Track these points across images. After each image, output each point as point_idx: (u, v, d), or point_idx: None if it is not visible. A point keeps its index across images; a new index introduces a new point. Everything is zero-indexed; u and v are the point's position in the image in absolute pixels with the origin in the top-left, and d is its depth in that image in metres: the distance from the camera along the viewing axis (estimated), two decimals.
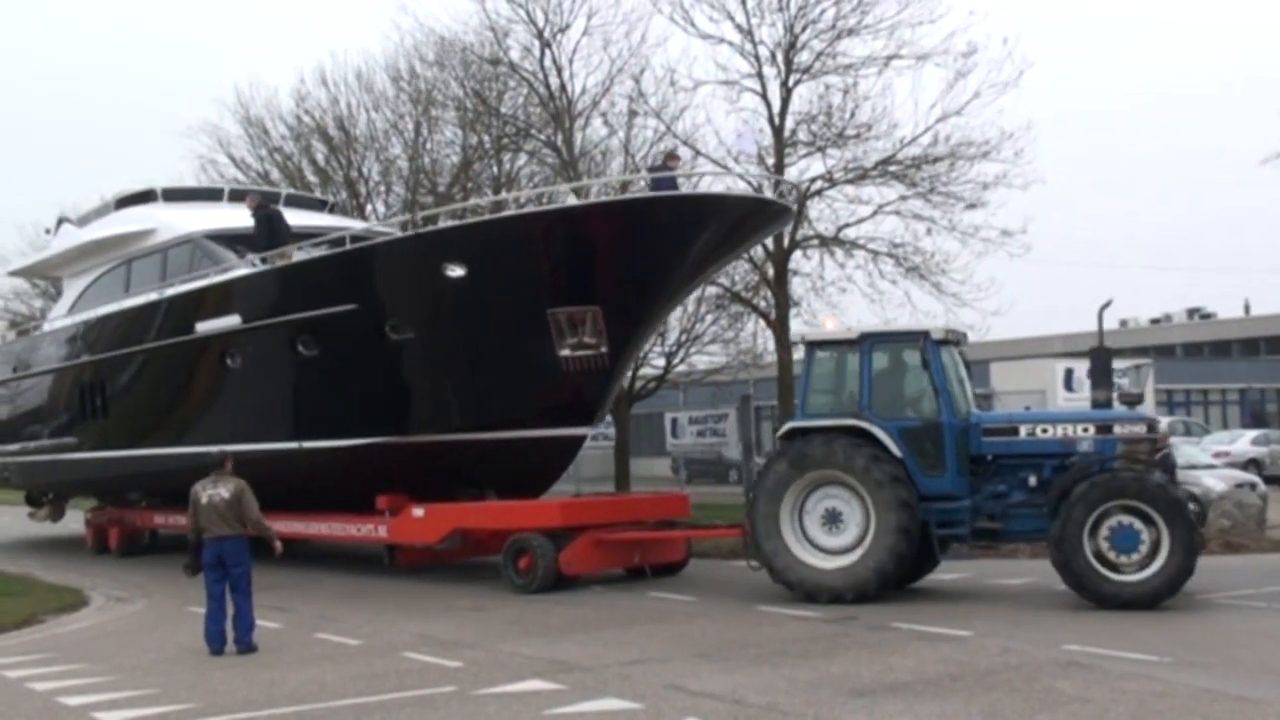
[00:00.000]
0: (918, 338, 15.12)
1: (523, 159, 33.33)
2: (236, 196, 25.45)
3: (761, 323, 28.15)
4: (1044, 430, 14.85)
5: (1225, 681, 9.71)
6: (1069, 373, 38.31)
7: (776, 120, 26.07)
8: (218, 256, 21.35)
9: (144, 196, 25.35)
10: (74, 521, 29.46)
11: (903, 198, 26.03)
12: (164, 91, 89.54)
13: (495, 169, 34.06)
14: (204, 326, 20.30)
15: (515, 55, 30.33)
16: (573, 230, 16.92)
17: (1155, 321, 66.23)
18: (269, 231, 20.66)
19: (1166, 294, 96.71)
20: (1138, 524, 13.61)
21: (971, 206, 25.54)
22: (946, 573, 17.28)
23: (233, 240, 21.74)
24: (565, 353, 17.13)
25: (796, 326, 25.90)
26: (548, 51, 29.53)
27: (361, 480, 18.49)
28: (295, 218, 23.87)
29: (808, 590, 14.53)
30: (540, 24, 29.22)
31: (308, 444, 19.21)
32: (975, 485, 14.83)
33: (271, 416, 20.03)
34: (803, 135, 26.41)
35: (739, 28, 25.90)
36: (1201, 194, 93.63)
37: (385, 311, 18.03)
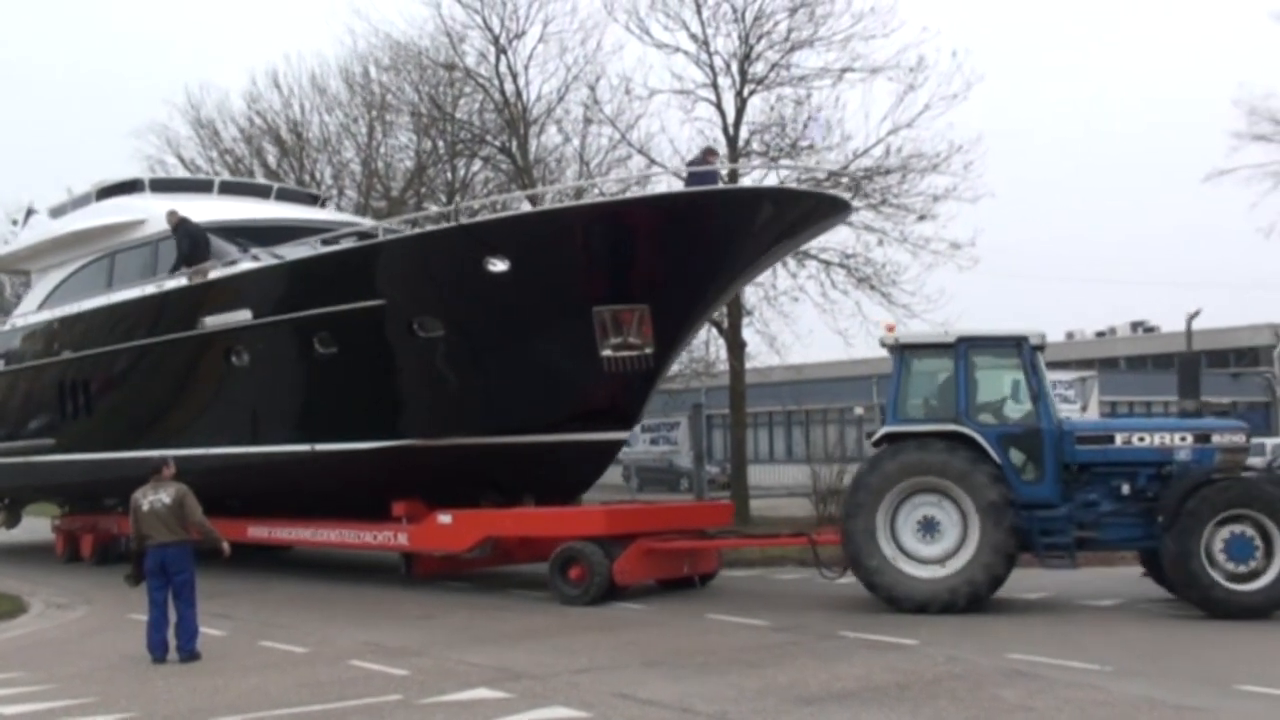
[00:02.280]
0: (1016, 343, 14.89)
1: (477, 165, 33.35)
2: (228, 189, 24.84)
3: (714, 330, 28.24)
4: (1140, 439, 14.77)
5: (1164, 690, 9.83)
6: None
7: (730, 130, 26.21)
8: (218, 250, 20.48)
9: (129, 186, 24.45)
10: (29, 528, 28.93)
11: (855, 209, 26.20)
12: (111, 90, 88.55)
13: (449, 174, 34.03)
14: (207, 322, 19.35)
15: (471, 61, 30.37)
16: (626, 224, 16.10)
17: (1100, 334, 67.05)
18: (189, 247, 20.19)
19: (1111, 307, 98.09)
20: (1250, 532, 13.65)
21: (922, 218, 25.79)
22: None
23: (233, 233, 20.96)
24: (608, 353, 16.32)
25: (740, 340, 25.94)
26: (503, 57, 29.61)
27: (376, 486, 17.69)
28: (288, 212, 23.40)
29: (896, 597, 14.21)
30: (496, 30, 29.29)
31: (320, 446, 18.28)
32: (1067, 493, 14.65)
33: (281, 417, 19.23)
34: (756, 145, 26.59)
35: (694, 38, 26.06)
36: (1146, 209, 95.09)
37: (415, 308, 17.14)
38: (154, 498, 12.44)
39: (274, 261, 19.13)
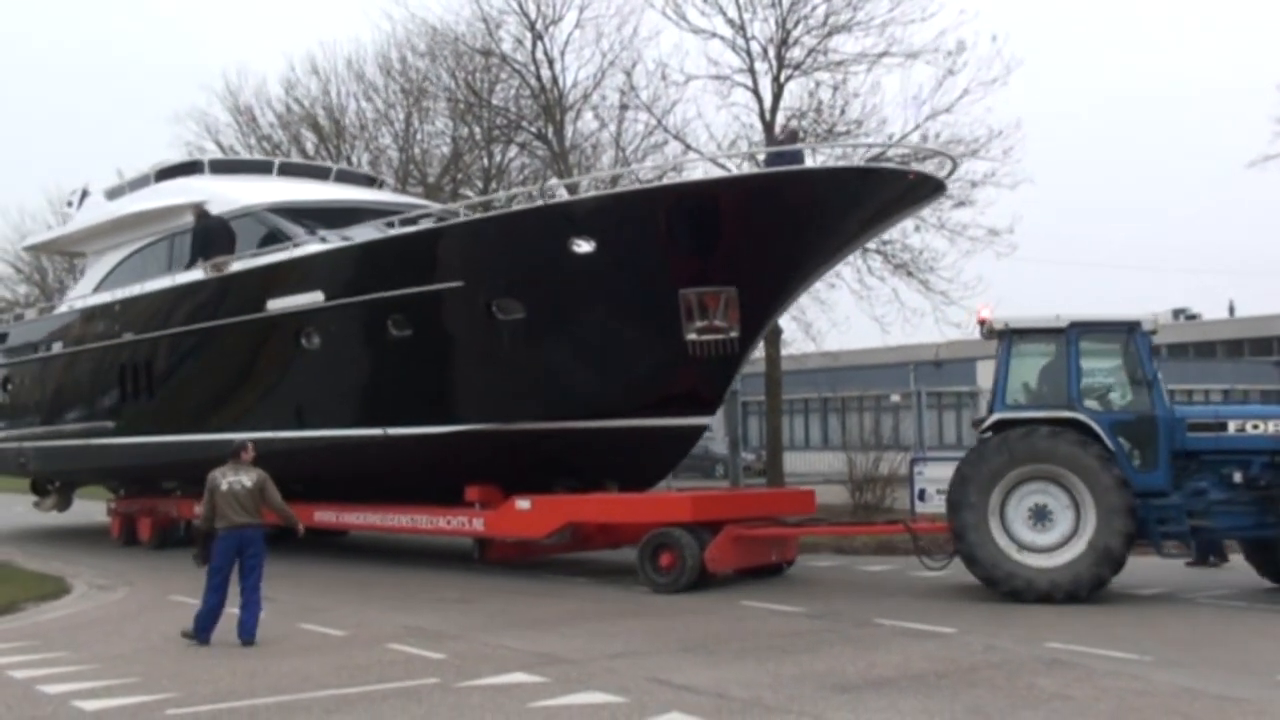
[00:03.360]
0: (1128, 328, 14.68)
1: (513, 151, 33.38)
2: (287, 170, 24.76)
3: None
4: (1255, 426, 14.55)
5: (1206, 680, 9.74)
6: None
7: (767, 116, 26.07)
8: (285, 230, 20.39)
9: (189, 168, 24.41)
10: (79, 511, 29.26)
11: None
12: (149, 77, 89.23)
13: (485, 161, 34.08)
14: (277, 304, 19.12)
15: (507, 47, 30.35)
16: (717, 205, 15.69)
17: None
18: (205, 240, 20.23)
19: (1152, 294, 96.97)
20: None
21: (960, 204, 25.57)
22: (928, 570, 17.35)
23: (299, 214, 20.84)
24: (692, 336, 16.01)
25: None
26: (539, 44, 29.55)
27: (449, 470, 17.53)
28: (348, 193, 23.30)
29: (1015, 588, 14.00)
30: (532, 16, 29.24)
31: (393, 430, 18.06)
32: (1177, 481, 14.47)
33: (352, 400, 19.07)
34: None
35: (730, 23, 25.89)
36: (1189, 194, 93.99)
37: (495, 289, 16.81)
38: (233, 479, 12.38)
39: (349, 243, 18.91)
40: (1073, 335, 14.55)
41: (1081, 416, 14.24)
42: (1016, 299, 29.44)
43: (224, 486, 12.33)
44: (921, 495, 17.32)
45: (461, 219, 17.85)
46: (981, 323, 15.53)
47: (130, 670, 10.93)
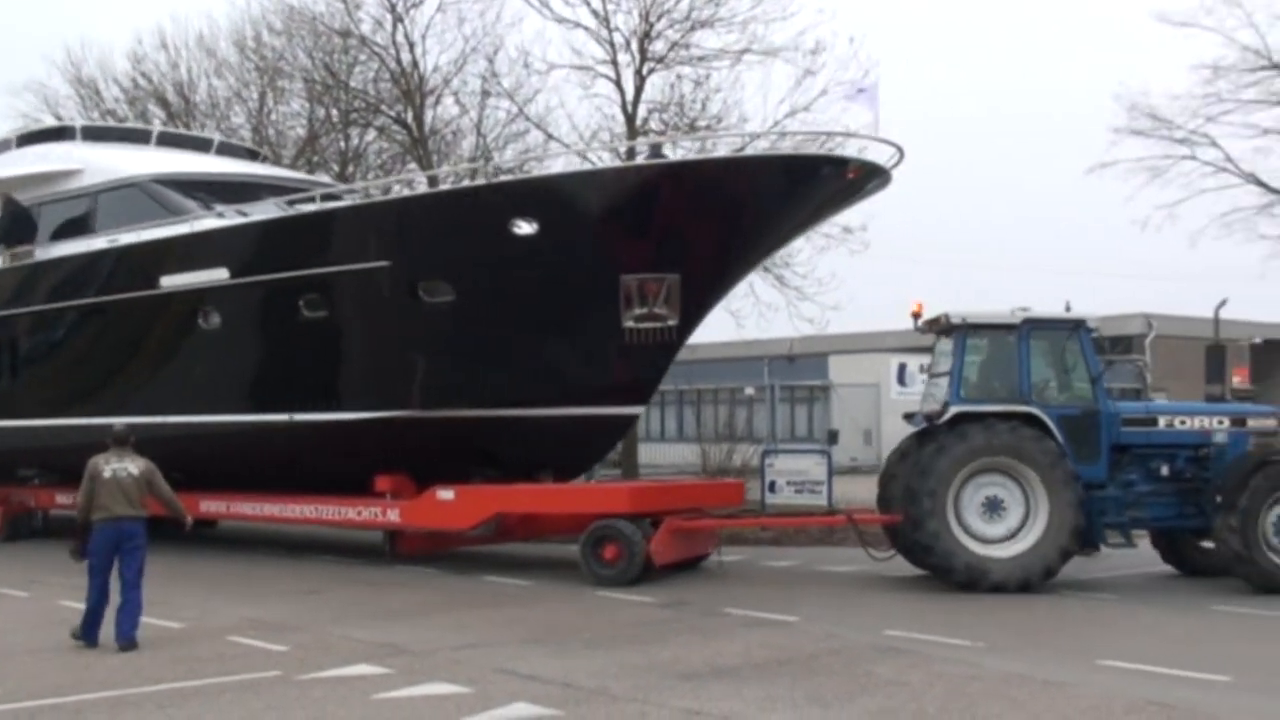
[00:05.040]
0: (1074, 325, 15.16)
1: (371, 135, 32.82)
2: (167, 140, 23.47)
3: None
4: (1182, 422, 15.30)
5: (1034, 666, 10.14)
6: (902, 367, 39.49)
7: (629, 108, 26.16)
8: (175, 204, 19.24)
9: (57, 133, 23.03)
10: None
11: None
12: None
13: (342, 144, 33.46)
14: (173, 280, 18.06)
15: (366, 29, 29.79)
16: (669, 189, 15.32)
17: None
18: (10, 227, 19.25)
19: (995, 292, 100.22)
20: None
21: None
22: (778, 559, 17.70)
23: (188, 187, 19.70)
24: (630, 324, 15.65)
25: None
26: (400, 26, 29.09)
27: (359, 460, 16.83)
28: (233, 166, 22.19)
29: (971, 578, 14.26)
30: None
31: (300, 416, 17.27)
32: (1112, 474, 15.03)
33: (255, 384, 18.20)
34: (655, 124, 26.57)
35: (595, 13, 25.89)
36: (1033, 198, 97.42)
37: (423, 270, 16.15)
38: (118, 466, 11.43)
39: (262, 218, 18.10)
40: (1025, 331, 15.02)
41: (1035, 410, 14.70)
42: (868, 296, 30.12)
43: (107, 474, 11.38)
44: (772, 487, 17.64)
45: (398, 196, 17.23)
46: (916, 315, 15.97)
47: None
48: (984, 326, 15.27)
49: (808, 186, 15.68)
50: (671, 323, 15.82)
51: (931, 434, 15.01)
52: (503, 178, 17.70)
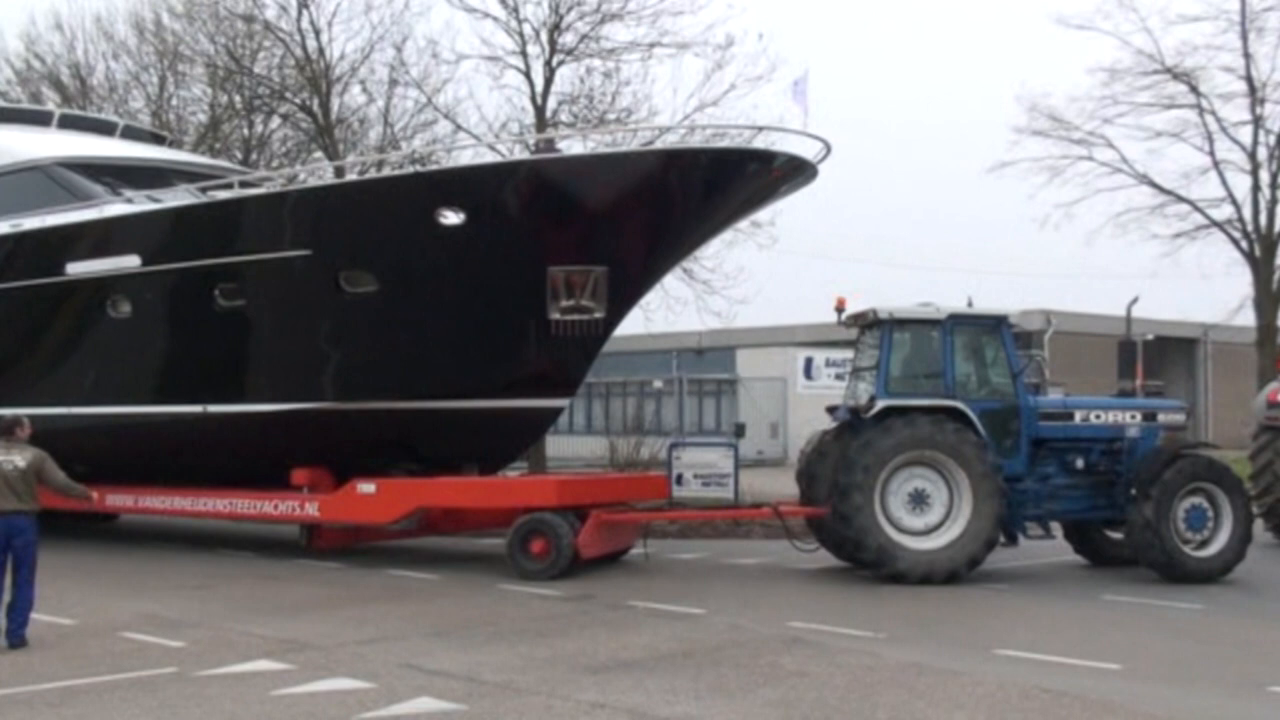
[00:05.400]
0: (996, 322, 15.40)
1: (276, 122, 32.31)
2: (69, 122, 22.57)
3: None
4: (1097, 416, 15.64)
5: (931, 655, 10.33)
6: (809, 361, 39.96)
7: (539, 100, 26.07)
8: (81, 189, 18.58)
9: None
10: None
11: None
12: None
13: (246, 130, 32.89)
14: (80, 267, 17.53)
15: (271, 14, 29.36)
16: (600, 180, 15.29)
17: None
18: None
19: (898, 290, 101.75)
20: (1204, 504, 14.83)
21: None
22: (686, 552, 17.78)
23: (96, 171, 19.05)
24: (556, 316, 15.53)
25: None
26: (305, 12, 28.71)
27: (277, 452, 16.45)
28: (139, 151, 21.47)
29: (899, 570, 14.37)
30: None
31: (214, 408, 16.84)
32: (1030, 467, 15.30)
33: (167, 374, 17.64)
34: (565, 116, 26.51)
35: (504, 4, 25.75)
36: (941, 197, 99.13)
37: (345, 260, 15.86)
38: (4, 459, 10.98)
39: (177, 204, 17.60)
40: (949, 326, 15.21)
41: (959, 405, 14.91)
42: (775, 290, 30.39)
43: None
44: (679, 480, 17.68)
45: (323, 183, 16.84)
46: (840, 309, 16.09)
47: None
48: (909, 322, 15.45)
49: (735, 181, 15.69)
50: (598, 315, 15.79)
51: (855, 428, 15.24)
52: (430, 167, 17.33)
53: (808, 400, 39.82)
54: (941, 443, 14.62)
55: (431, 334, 15.96)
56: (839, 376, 42.00)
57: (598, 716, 8.20)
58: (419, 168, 18.44)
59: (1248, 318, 32.41)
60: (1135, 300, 17.34)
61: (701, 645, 10.74)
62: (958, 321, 15.34)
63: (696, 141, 22.27)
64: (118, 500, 18.58)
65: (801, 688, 9.07)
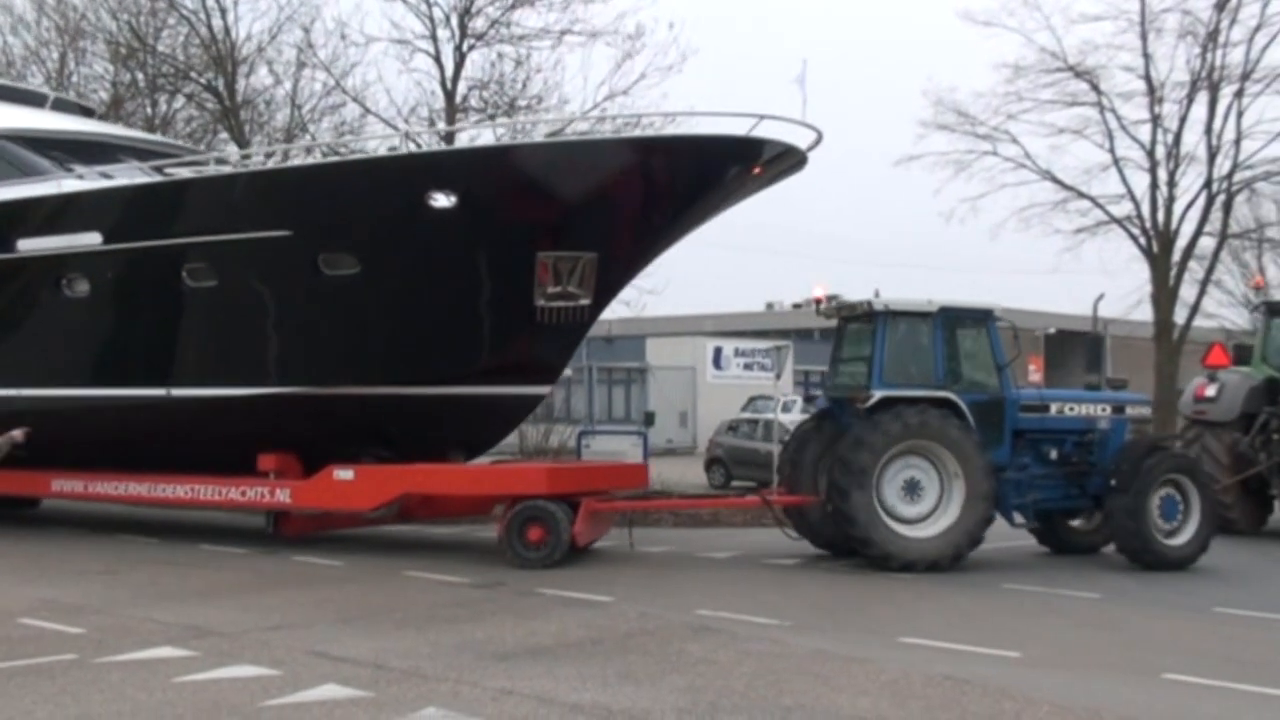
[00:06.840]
0: (984, 315, 15.74)
1: (180, 102, 31.61)
2: (8, 95, 21.58)
3: None
4: (1071, 408, 16.08)
5: (837, 643, 10.52)
6: (718, 351, 40.26)
7: (449, 85, 25.89)
8: (28, 163, 17.85)
9: None
10: None
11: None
12: None
13: (149, 110, 32.10)
14: (32, 244, 16.97)
15: None
16: (596, 166, 15.15)
17: (797, 306, 70.37)
18: None
19: (808, 281, 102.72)
20: (1176, 495, 15.38)
21: None
22: (600, 540, 17.83)
23: (40, 145, 18.33)
24: (542, 302, 15.32)
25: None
26: None
27: (243, 437, 15.97)
28: (74, 124, 20.67)
29: (890, 555, 14.55)
30: None
31: (179, 391, 16.36)
32: (1010, 458, 15.62)
33: (128, 357, 17.01)
34: (475, 102, 26.38)
35: None
36: (851, 188, 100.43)
37: (327, 242, 15.46)
38: None
39: (150, 180, 17.05)
40: (941, 319, 15.42)
41: (952, 396, 15.16)
42: (684, 281, 30.53)
43: None
44: None
45: (307, 162, 16.56)
46: (818, 301, 16.47)
47: None
48: (902, 314, 15.65)
49: (728, 169, 15.67)
50: (584, 302, 15.67)
51: (836, 416, 15.68)
52: (423, 149, 17.06)
53: (717, 389, 40.16)
54: (938, 433, 14.91)
55: (413, 318, 15.70)
56: (747, 366, 42.39)
57: (505, 703, 8.21)
58: (323, 155, 18.15)
59: (1146, 313, 33.34)
60: (1101, 297, 18.02)
61: (610, 632, 10.80)
62: (947, 314, 15.65)
63: (607, 130, 22.31)
64: (65, 486, 17.94)
65: (709, 675, 9.17)
